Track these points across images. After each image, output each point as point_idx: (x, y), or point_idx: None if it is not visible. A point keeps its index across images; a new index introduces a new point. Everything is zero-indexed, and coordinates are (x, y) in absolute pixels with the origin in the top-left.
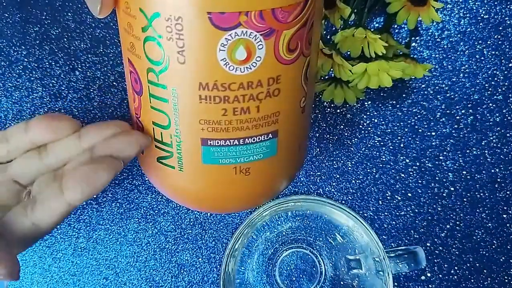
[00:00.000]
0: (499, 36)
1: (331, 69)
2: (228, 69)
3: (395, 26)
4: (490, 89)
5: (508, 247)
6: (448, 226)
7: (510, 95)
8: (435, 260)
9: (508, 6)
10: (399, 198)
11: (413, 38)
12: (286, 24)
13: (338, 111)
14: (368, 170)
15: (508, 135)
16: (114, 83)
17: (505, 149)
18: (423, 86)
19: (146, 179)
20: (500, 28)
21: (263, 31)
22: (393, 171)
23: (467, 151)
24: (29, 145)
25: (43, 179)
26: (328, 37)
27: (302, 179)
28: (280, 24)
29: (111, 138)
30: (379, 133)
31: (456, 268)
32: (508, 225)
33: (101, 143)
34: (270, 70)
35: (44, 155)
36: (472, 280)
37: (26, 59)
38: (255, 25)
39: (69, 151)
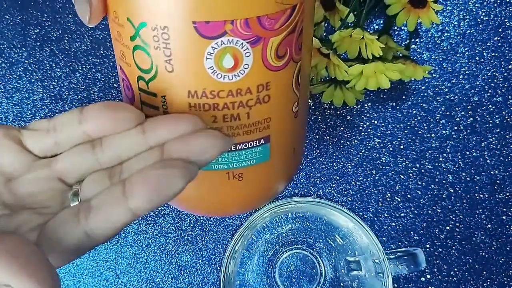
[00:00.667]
0: (498, 38)
1: (326, 69)
2: (216, 77)
3: (395, 28)
4: (489, 90)
5: (508, 248)
6: (447, 228)
7: (509, 96)
8: (435, 262)
9: (508, 8)
10: (399, 199)
11: (413, 40)
12: (273, 31)
13: (338, 112)
14: (368, 172)
15: (507, 136)
16: (115, 84)
17: (504, 151)
18: (422, 88)
19: None
20: (500, 30)
21: (250, 39)
22: (392, 172)
23: (467, 152)
24: (82, 138)
25: (95, 178)
26: (328, 38)
27: (302, 180)
28: (267, 32)
29: (189, 137)
30: (378, 134)
31: (455, 269)
32: (507, 226)
33: (176, 142)
34: (258, 77)
35: (99, 150)
36: (471, 282)
37: (26, 61)
38: (241, 33)
39: (131, 148)
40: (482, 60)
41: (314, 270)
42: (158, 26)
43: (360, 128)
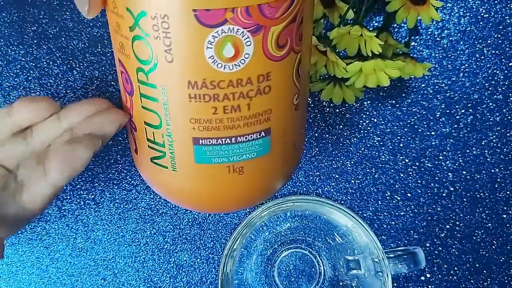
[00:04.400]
0: (499, 35)
1: (325, 66)
2: (216, 67)
3: (395, 25)
4: (490, 88)
5: (508, 247)
6: (447, 227)
7: (510, 94)
8: (435, 261)
9: (508, 5)
10: (399, 198)
11: (412, 37)
12: (274, 20)
13: (337, 110)
14: (368, 170)
15: (508, 134)
16: (112, 82)
17: (505, 149)
18: (422, 85)
19: None
20: (500, 27)
21: (250, 27)
22: (392, 171)
23: (467, 151)
24: (13, 128)
25: (28, 163)
26: (327, 35)
27: (301, 179)
28: (267, 20)
29: (91, 116)
30: (378, 132)
31: (456, 268)
32: (508, 225)
33: (81, 122)
34: (259, 67)
35: (29, 139)
36: (472, 281)
37: (23, 59)
38: (241, 22)
39: (51, 133)
40: (482, 57)
41: (313, 269)
42: (158, 15)
43: (360, 126)
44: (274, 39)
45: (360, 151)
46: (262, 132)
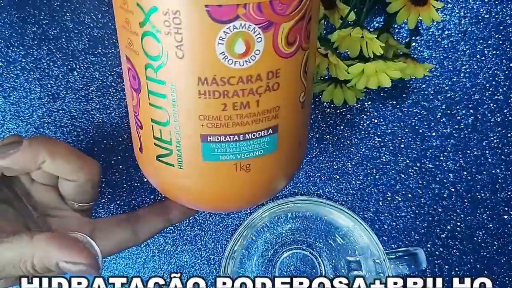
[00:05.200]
0: (500, 36)
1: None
2: (227, 63)
3: (395, 26)
4: (491, 89)
5: (509, 248)
6: (448, 227)
7: (511, 95)
8: (436, 262)
9: (509, 6)
10: (400, 199)
11: (413, 38)
12: (284, 17)
13: (338, 111)
14: (368, 171)
15: (509, 135)
16: (113, 83)
17: (506, 150)
18: (423, 86)
19: (145, 180)
20: (501, 27)
21: (262, 23)
22: (393, 171)
23: (468, 151)
24: None
25: None
26: (328, 36)
27: (302, 180)
28: (278, 17)
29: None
30: (379, 133)
31: (457, 269)
32: (509, 226)
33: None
34: (269, 64)
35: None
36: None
37: (24, 60)
38: (253, 18)
39: None
40: (483, 58)
41: (314, 270)
42: (170, 10)
43: (360, 127)
44: (284, 36)
45: (361, 152)
46: (270, 129)
